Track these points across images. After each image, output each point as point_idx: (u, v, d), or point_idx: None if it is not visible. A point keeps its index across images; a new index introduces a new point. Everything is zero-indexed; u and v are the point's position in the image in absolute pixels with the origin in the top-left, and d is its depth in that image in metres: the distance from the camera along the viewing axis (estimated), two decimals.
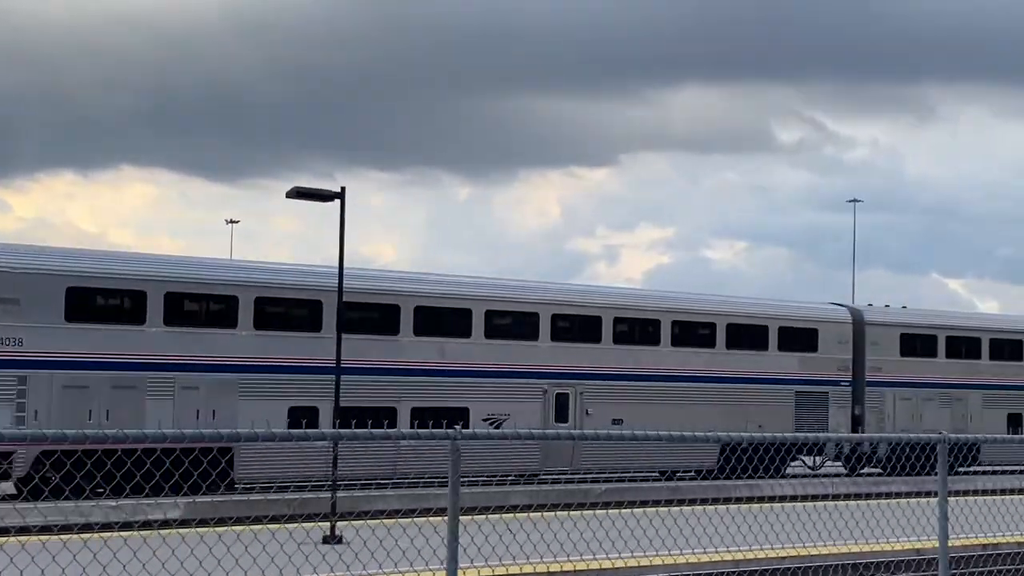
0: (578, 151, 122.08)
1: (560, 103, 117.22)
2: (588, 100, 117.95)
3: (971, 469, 40.02)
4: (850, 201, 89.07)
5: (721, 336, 35.13)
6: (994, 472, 40.20)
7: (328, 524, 17.63)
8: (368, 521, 17.26)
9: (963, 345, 40.33)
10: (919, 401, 39.01)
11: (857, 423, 37.70)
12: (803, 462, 37.67)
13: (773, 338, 36.11)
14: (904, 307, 41.44)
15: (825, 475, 36.85)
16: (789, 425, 35.75)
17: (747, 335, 35.79)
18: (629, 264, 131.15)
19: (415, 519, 14.99)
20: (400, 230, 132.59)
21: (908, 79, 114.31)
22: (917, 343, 39.52)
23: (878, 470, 38.40)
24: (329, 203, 20.04)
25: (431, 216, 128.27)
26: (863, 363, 38.10)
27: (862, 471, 38.37)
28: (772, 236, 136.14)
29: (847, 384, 37.55)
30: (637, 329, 33.86)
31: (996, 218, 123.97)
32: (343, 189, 19.46)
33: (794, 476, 35.78)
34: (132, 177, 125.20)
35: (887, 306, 40.85)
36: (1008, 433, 40.55)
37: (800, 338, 36.71)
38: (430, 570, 13.11)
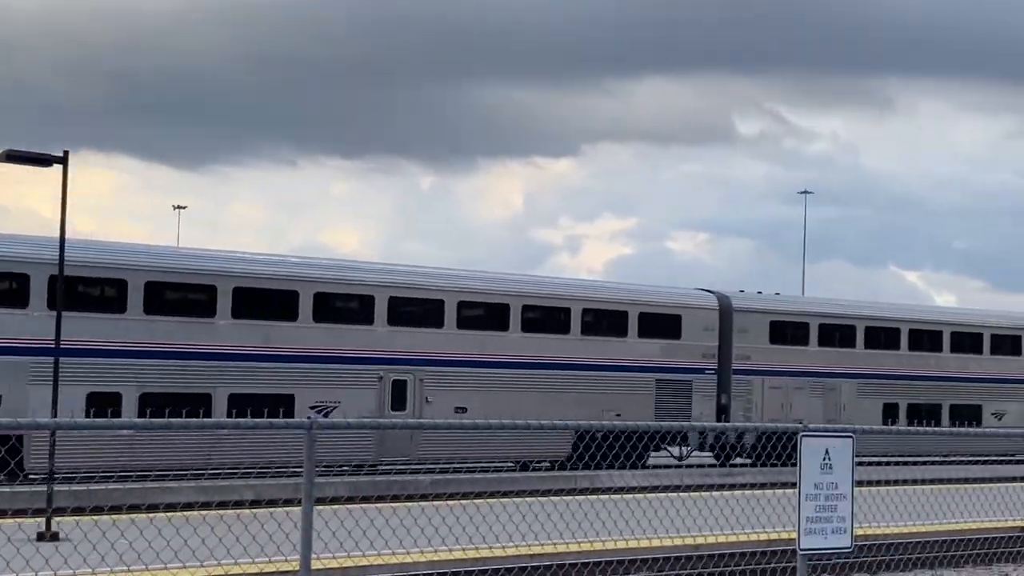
0: (540, 141, 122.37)
1: (521, 93, 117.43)
2: (549, 90, 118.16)
3: None
4: (801, 193, 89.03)
5: (576, 322, 33.70)
6: (869, 463, 39.07)
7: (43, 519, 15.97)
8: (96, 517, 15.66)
9: (837, 333, 39.16)
10: (789, 390, 37.75)
11: (722, 412, 36.38)
12: (669, 452, 36.32)
13: (633, 324, 34.72)
14: (777, 293, 40.17)
15: (689, 466, 35.50)
16: (649, 414, 34.35)
17: (605, 321, 34.39)
18: (591, 255, 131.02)
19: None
20: (362, 219, 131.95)
21: (868, 72, 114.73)
22: (788, 330, 38.29)
23: (750, 460, 37.13)
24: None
25: (394, 204, 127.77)
26: (730, 350, 36.81)
27: (735, 462, 37.05)
28: (733, 228, 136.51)
29: (712, 372, 36.23)
30: (484, 314, 32.34)
31: (954, 211, 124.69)
32: (66, 153, 17.75)
33: (656, 467, 34.43)
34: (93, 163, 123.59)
35: (759, 292, 39.53)
36: (885, 423, 39.43)
37: (662, 324, 35.34)
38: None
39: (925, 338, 41.00)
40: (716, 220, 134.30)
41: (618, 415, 33.39)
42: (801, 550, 9.34)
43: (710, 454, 38.03)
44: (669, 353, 35.32)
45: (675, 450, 36.29)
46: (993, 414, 42.43)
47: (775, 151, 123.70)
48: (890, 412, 39.68)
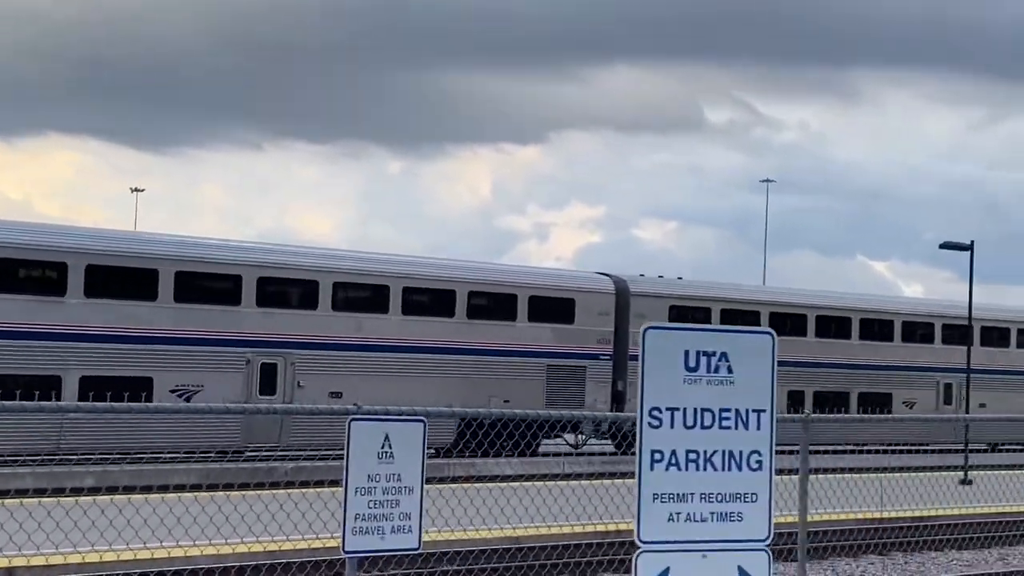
0: (508, 127, 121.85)
1: (490, 79, 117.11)
2: (518, 77, 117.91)
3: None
4: (763, 181, 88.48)
5: (462, 305, 32.60)
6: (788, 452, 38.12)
7: None
8: None
9: (740, 319, 38.20)
10: None
11: (619, 399, 35.33)
12: (565, 440, 35.30)
13: (523, 308, 33.65)
14: (680, 278, 39.14)
15: (590, 454, 34.46)
16: (539, 401, 33.27)
17: (492, 304, 33.31)
18: (559, 242, 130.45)
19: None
20: (329, 204, 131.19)
21: (837, 63, 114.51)
22: (689, 316, 37.28)
23: None
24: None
25: (361, 190, 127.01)
26: (627, 336, 35.78)
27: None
28: (702, 217, 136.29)
29: (607, 358, 35.19)
30: (361, 295, 31.19)
31: (922, 202, 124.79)
32: None
33: (547, 455, 33.40)
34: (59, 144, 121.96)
35: (660, 277, 38.48)
36: (790, 412, 38.44)
37: (554, 309, 34.28)
38: None
39: (833, 325, 40.15)
40: (684, 209, 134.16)
41: (506, 401, 32.29)
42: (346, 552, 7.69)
43: (609, 442, 37.04)
44: (561, 338, 34.27)
45: (571, 438, 35.27)
46: (904, 403, 41.58)
47: (744, 140, 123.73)
48: (796, 400, 38.71)
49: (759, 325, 38.36)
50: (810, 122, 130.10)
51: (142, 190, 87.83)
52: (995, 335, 43.96)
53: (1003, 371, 43.89)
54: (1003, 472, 27.83)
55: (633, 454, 7.06)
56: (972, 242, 26.85)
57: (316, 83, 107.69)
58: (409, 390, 29.64)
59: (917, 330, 42.30)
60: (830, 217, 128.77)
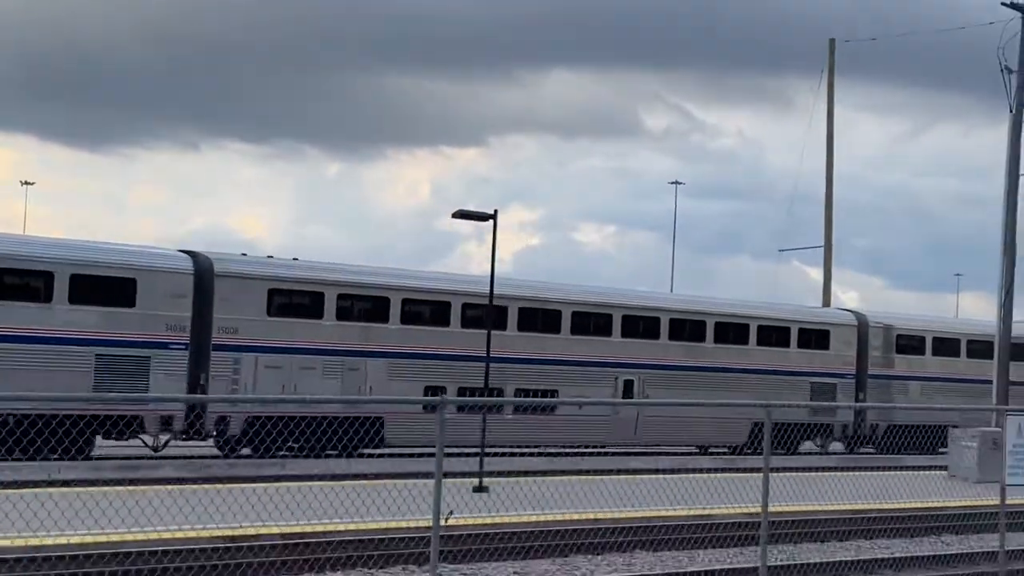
0: (447, 130, 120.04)
1: (428, 82, 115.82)
2: (456, 80, 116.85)
3: (376, 452, 33.45)
4: (672, 183, 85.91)
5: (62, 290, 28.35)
6: (403, 455, 33.71)
7: None
8: None
9: (358, 305, 33.82)
10: (295, 369, 32.16)
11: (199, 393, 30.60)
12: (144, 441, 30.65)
13: (61, 289, 28.96)
14: (270, 256, 34.47)
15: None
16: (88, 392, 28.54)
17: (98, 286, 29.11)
18: (499, 245, 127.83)
19: None
20: (265, 204, 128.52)
21: (770, 71, 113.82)
22: (293, 301, 32.81)
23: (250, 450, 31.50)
24: None
25: (298, 191, 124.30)
26: (210, 322, 31.16)
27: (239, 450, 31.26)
28: (640, 220, 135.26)
29: (180, 347, 30.49)
30: None
31: (854, 210, 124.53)
32: None
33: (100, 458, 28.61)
34: None
35: (244, 254, 33.82)
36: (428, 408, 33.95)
37: (106, 289, 29.62)
38: None
39: (479, 314, 35.89)
40: (623, 213, 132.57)
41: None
42: None
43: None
44: (116, 323, 29.56)
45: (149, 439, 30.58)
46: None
47: (681, 146, 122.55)
48: (434, 395, 34.21)
49: (387, 314, 34.10)
50: (746, 128, 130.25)
51: (32, 183, 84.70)
52: (687, 328, 40.04)
53: (698, 367, 39.90)
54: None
55: None
56: (495, 211, 23.61)
57: (254, 83, 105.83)
58: None
59: (590, 321, 38.15)
60: (765, 223, 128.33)
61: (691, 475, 26.33)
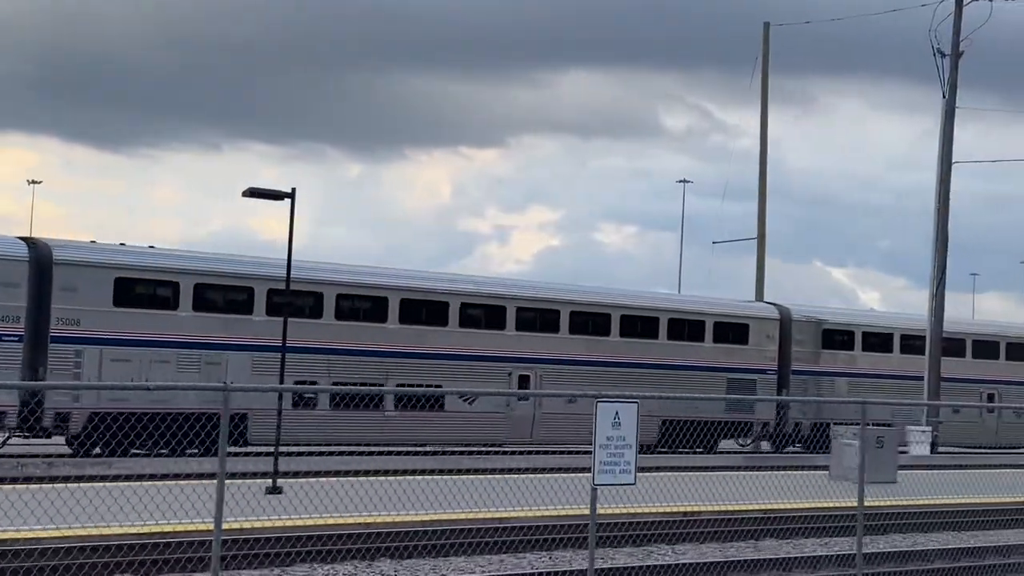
0: (466, 131, 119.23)
1: (448, 83, 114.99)
2: (476, 81, 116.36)
3: (242, 450, 31.47)
4: (680, 181, 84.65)
5: None
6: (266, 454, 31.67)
7: None
8: None
9: (218, 295, 31.96)
10: (146, 363, 30.24)
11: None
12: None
13: None
14: (93, 241, 32.20)
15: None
16: None
17: None
18: (520, 245, 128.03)
19: None
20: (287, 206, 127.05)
21: (792, 71, 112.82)
22: (144, 290, 30.98)
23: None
24: None
25: (321, 192, 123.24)
26: (48, 314, 29.30)
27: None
28: (660, 221, 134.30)
29: (14, 339, 28.64)
30: None
31: (872, 210, 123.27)
32: None
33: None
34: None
35: (93, 241, 31.83)
36: (296, 407, 32.00)
37: None
38: None
39: (353, 305, 34.03)
40: (643, 213, 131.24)
41: None
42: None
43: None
44: None
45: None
46: (464, 399, 35.38)
47: (701, 146, 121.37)
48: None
49: (251, 304, 32.22)
50: (768, 129, 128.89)
51: (39, 182, 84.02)
52: (581, 320, 38.12)
53: (601, 362, 37.97)
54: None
55: None
56: (293, 189, 21.70)
57: (276, 84, 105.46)
58: None
59: (481, 314, 36.26)
60: (788, 223, 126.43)
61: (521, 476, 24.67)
